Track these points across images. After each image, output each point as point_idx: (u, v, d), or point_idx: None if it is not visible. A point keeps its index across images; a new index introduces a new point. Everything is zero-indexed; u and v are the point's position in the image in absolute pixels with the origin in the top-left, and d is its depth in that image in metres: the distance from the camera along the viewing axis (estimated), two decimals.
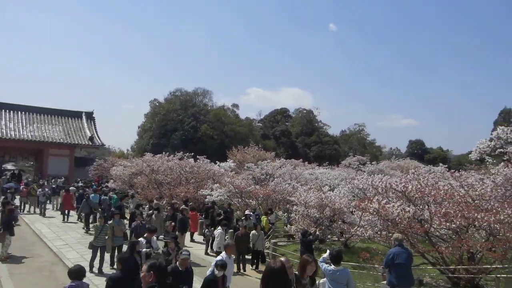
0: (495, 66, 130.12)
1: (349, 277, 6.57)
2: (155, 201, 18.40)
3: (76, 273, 6.09)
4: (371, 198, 11.87)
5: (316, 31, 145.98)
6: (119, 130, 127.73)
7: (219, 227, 13.33)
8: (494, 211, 9.87)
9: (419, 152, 77.52)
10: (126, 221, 14.97)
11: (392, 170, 35.74)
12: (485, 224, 9.67)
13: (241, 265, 12.36)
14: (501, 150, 12.02)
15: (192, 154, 29.63)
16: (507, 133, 11.90)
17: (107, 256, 11.42)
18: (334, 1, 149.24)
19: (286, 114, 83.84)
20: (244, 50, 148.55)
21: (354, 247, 16.01)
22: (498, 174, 11.75)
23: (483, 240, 10.31)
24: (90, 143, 38.56)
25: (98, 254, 11.18)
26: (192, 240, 17.05)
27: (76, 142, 38.07)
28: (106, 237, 11.46)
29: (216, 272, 6.84)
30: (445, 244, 10.79)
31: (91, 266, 11.09)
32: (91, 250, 11.33)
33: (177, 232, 14.03)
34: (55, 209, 23.25)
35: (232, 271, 7.86)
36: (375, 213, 11.28)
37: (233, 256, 8.11)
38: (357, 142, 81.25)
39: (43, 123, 38.34)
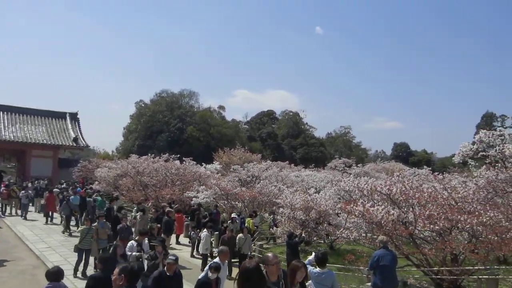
0: (477, 70, 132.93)
1: (334, 279, 6.58)
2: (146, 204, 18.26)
3: (55, 275, 5.98)
4: (357, 201, 11.96)
5: (302, 34, 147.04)
6: (104, 131, 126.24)
7: (205, 230, 13.25)
8: (476, 213, 10.05)
9: (404, 154, 78.64)
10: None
11: (377, 172, 36.12)
12: (467, 226, 9.84)
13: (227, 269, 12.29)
14: (483, 153, 12.27)
15: (178, 156, 29.43)
16: (489, 137, 12.15)
17: (91, 259, 11.25)
18: (320, 4, 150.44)
19: (272, 116, 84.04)
20: (231, 52, 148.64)
21: (339, 249, 16.09)
22: (481, 177, 11.97)
23: (466, 242, 10.47)
24: (74, 144, 37.96)
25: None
26: (177, 243, 16.93)
27: (60, 143, 37.42)
28: (92, 240, 11.30)
29: (210, 274, 6.78)
30: (429, 246, 10.92)
31: (77, 270, 10.90)
32: (75, 253, 11.15)
33: (162, 235, 13.95)
34: (37, 211, 22.80)
35: (225, 276, 7.67)
36: (360, 215, 11.36)
37: (226, 262, 7.80)
38: (343, 144, 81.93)
39: (26, 124, 37.59)
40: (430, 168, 22.90)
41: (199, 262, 13.09)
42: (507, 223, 10.05)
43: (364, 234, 13.27)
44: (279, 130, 78.46)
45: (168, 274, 6.56)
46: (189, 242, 16.29)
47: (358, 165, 41.75)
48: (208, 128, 60.70)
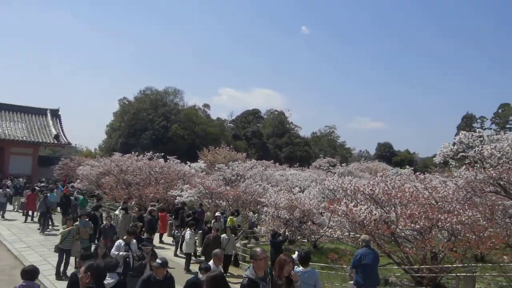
0: (459, 71, 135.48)
1: (317, 278, 6.63)
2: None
3: (30, 274, 5.89)
4: (340, 200, 12.08)
5: (288, 33, 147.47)
6: (86, 128, 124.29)
7: (188, 229, 13.18)
8: (455, 212, 10.28)
9: (387, 154, 79.62)
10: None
11: (361, 172, 36.60)
12: (447, 225, 10.06)
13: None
14: (463, 154, 12.52)
15: (162, 154, 29.20)
16: (468, 138, 12.41)
17: (72, 259, 11.05)
18: (306, 4, 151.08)
19: (257, 115, 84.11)
20: (216, 50, 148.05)
21: (323, 248, 16.23)
22: (460, 177, 12.23)
23: (445, 241, 10.70)
24: (55, 142, 37.25)
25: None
26: (161, 241, 16.82)
27: (40, 140, 36.66)
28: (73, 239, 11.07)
29: (200, 275, 6.72)
30: (410, 244, 11.11)
31: (59, 271, 10.69)
32: (55, 253, 10.90)
33: (145, 234, 13.83)
34: (16, 210, 22.31)
35: None
36: (343, 215, 11.48)
37: (221, 266, 7.47)
38: (328, 144, 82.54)
39: (4, 120, 36.72)
40: (412, 168, 23.26)
41: (182, 261, 13.02)
42: (484, 222, 10.32)
43: (347, 233, 13.44)
44: (264, 129, 78.59)
45: (157, 278, 6.19)
46: (172, 241, 16.20)
47: (342, 164, 42.18)
48: (193, 127, 60.40)
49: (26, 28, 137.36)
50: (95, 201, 18.70)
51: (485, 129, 66.06)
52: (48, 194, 18.87)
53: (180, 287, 6.40)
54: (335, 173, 31.17)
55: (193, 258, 13.51)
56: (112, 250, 8.77)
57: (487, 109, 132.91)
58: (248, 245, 15.56)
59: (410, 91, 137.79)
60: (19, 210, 21.53)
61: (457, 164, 13.79)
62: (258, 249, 4.67)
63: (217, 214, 15.85)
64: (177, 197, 20.01)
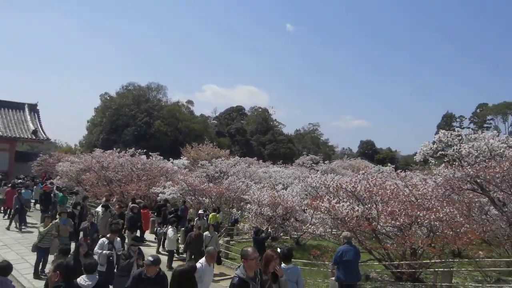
0: (440, 72, 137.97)
1: (299, 275, 6.70)
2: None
3: (3, 270, 5.80)
4: (323, 197, 12.21)
5: (273, 31, 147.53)
6: (66, 124, 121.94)
7: (170, 226, 13.11)
8: (434, 209, 10.51)
9: (369, 152, 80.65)
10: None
11: (344, 169, 36.96)
12: (426, 221, 10.28)
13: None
14: (442, 152, 12.81)
15: (145, 150, 28.90)
16: (447, 137, 12.70)
17: (50, 257, 10.84)
18: (291, 1, 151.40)
19: (241, 112, 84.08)
20: (200, 46, 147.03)
21: (305, 245, 16.37)
22: (439, 175, 12.50)
23: (424, 237, 10.93)
24: (34, 137, 36.39)
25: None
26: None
27: (17, 136, 35.74)
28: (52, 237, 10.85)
29: None
30: (391, 241, 11.32)
31: (37, 271, 10.47)
32: (33, 252, 10.65)
33: (126, 231, 13.70)
34: None
35: (210, 279, 7.23)
36: (326, 211, 11.60)
37: (212, 264, 7.36)
38: (311, 141, 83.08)
39: None
40: (394, 166, 23.65)
41: (165, 258, 12.94)
42: (461, 219, 10.59)
43: (329, 230, 13.59)
44: (248, 126, 78.58)
45: (148, 276, 6.09)
46: (155, 238, 16.09)
47: (325, 162, 42.51)
48: (176, 123, 59.95)
49: (2, 23, 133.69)
50: (74, 198, 18.37)
51: (463, 128, 67.78)
52: (23, 191, 18.43)
53: None
54: (318, 170, 31.42)
55: (175, 255, 13.47)
56: (95, 248, 8.60)
57: (467, 109, 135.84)
58: (230, 242, 15.59)
59: (393, 90, 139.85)
60: None
61: (436, 162, 14.09)
62: (249, 249, 4.66)
63: (200, 212, 15.79)
64: (160, 194, 19.87)
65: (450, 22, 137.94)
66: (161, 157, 28.18)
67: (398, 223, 10.52)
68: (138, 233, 15.39)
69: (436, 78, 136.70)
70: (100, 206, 16.91)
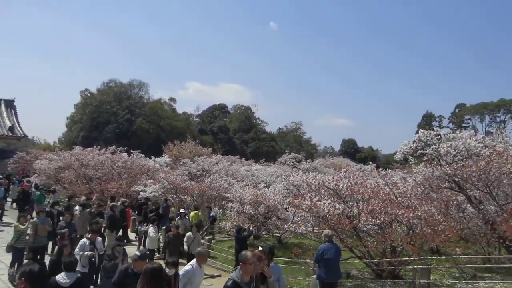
0: (421, 72, 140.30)
1: (281, 273, 6.71)
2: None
3: None
4: (304, 195, 12.26)
5: (256, 29, 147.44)
6: (45, 120, 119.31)
7: (151, 224, 12.95)
8: (413, 207, 10.68)
9: (351, 151, 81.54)
10: None
11: (326, 167, 37.23)
12: (405, 220, 10.44)
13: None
14: (422, 151, 13.02)
15: (126, 148, 28.48)
16: (426, 136, 12.91)
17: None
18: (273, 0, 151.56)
19: (224, 110, 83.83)
20: (183, 43, 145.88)
21: (287, 243, 16.42)
22: (419, 173, 12.71)
23: (404, 235, 11.10)
24: (10, 134, 35.48)
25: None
26: None
27: None
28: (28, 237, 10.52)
29: (168, 270, 6.58)
30: (371, 239, 11.45)
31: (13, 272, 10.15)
32: (7, 253, 10.27)
33: (106, 230, 13.45)
34: None
35: (200, 281, 7.01)
36: (307, 210, 11.66)
37: (203, 265, 7.07)
38: (294, 139, 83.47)
39: None
40: (375, 164, 23.93)
41: None
42: (439, 217, 10.78)
43: (311, 228, 13.66)
44: (231, 124, 78.43)
45: (135, 271, 5.96)
46: (135, 237, 15.89)
47: (308, 160, 42.75)
48: (158, 120, 59.41)
49: None
50: (51, 196, 17.95)
51: (443, 127, 69.14)
52: None
53: None
54: (300, 168, 31.57)
55: (156, 254, 13.32)
56: (76, 249, 8.32)
57: (445, 109, 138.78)
58: (212, 241, 15.52)
59: (375, 88, 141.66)
60: None
61: (416, 161, 14.32)
62: (248, 253, 4.60)
63: (182, 211, 15.55)
64: (141, 192, 19.65)
65: (435, 22, 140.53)
66: (143, 155, 27.87)
67: (378, 221, 10.65)
68: (120, 232, 15.20)
69: (418, 78, 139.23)
70: (78, 204, 16.60)
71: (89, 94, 62.74)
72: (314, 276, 9.28)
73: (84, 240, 8.66)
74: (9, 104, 38.16)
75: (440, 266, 11.67)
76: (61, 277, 5.61)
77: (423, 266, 9.95)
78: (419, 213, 10.30)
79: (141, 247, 14.33)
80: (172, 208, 19.56)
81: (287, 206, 15.66)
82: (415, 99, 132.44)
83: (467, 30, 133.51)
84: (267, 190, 17.28)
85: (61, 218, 12.82)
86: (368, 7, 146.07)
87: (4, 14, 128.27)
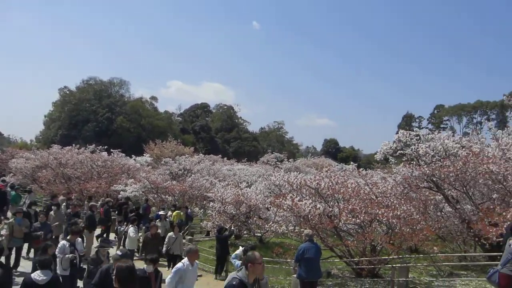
0: (400, 74, 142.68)
1: None
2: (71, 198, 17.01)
3: None
4: (286, 195, 12.30)
5: (239, 28, 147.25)
6: (22, 118, 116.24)
7: (131, 224, 12.77)
8: (393, 207, 10.84)
9: (333, 150, 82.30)
10: None
11: (308, 167, 37.49)
12: (385, 219, 10.59)
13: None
14: (401, 151, 13.23)
15: (106, 147, 28.09)
16: (406, 137, 13.13)
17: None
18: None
19: (206, 109, 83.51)
20: (165, 41, 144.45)
21: (269, 243, 16.44)
22: (398, 173, 12.92)
23: (383, 234, 11.26)
24: None
25: None
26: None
27: None
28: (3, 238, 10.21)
29: (146, 267, 6.44)
30: (352, 238, 11.57)
31: None
32: None
33: (85, 230, 13.20)
34: None
35: (194, 280, 6.79)
36: (289, 209, 11.69)
37: (196, 263, 6.88)
38: (276, 139, 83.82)
39: None
40: (356, 164, 24.27)
41: None
42: (418, 216, 10.98)
43: (292, 228, 13.71)
44: (213, 123, 78.21)
45: None
46: (115, 237, 15.65)
47: (290, 160, 42.96)
48: (139, 119, 58.78)
49: None
50: (27, 196, 17.48)
51: (422, 128, 70.48)
52: None
53: None
54: (282, 168, 31.69)
55: (136, 254, 13.15)
56: (56, 252, 8.02)
57: (425, 109, 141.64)
58: (193, 241, 15.40)
59: (357, 89, 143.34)
60: None
61: (396, 161, 14.56)
62: (256, 253, 4.49)
63: (161, 213, 15.25)
64: (121, 192, 19.40)
65: (416, 23, 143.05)
66: (123, 154, 27.58)
67: (358, 220, 10.77)
68: (99, 232, 14.97)
69: (400, 79, 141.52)
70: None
71: (68, 92, 61.53)
72: (295, 275, 9.31)
73: (63, 242, 8.39)
74: None
75: (418, 264, 11.86)
76: (36, 275, 5.65)
77: (402, 265, 10.11)
78: (399, 213, 10.46)
79: (121, 247, 14.14)
80: (153, 208, 19.37)
81: (269, 206, 15.67)
82: (396, 100, 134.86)
83: (447, 31, 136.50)
84: (249, 189, 17.27)
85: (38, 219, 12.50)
86: (349, 8, 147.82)
87: None
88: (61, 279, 7.07)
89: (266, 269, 9.23)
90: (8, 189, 19.34)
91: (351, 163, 26.95)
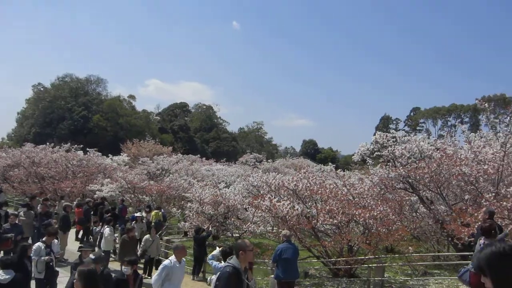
0: (379, 77, 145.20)
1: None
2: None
3: None
4: (264, 196, 12.31)
5: (219, 28, 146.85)
6: None
7: (107, 225, 12.49)
8: (369, 208, 11.00)
9: (312, 151, 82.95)
10: None
11: (286, 168, 37.64)
12: (362, 219, 10.73)
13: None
14: (378, 153, 13.44)
15: (82, 146, 27.52)
16: (383, 138, 13.35)
17: None
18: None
19: (185, 108, 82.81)
20: (144, 39, 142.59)
21: None
22: (375, 174, 13.11)
23: (360, 234, 11.41)
24: None
25: None
26: (77, 239, 15.80)
27: None
28: None
29: (125, 269, 6.28)
30: (329, 238, 11.68)
31: None
32: None
33: (59, 231, 12.85)
34: None
35: (181, 279, 6.62)
36: (267, 210, 11.71)
37: (184, 260, 6.71)
38: (255, 139, 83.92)
39: None
40: (334, 165, 24.57)
41: None
42: (393, 217, 11.18)
43: (270, 228, 13.75)
44: (192, 123, 77.66)
45: None
46: (90, 238, 15.30)
47: (269, 160, 43.06)
48: (117, 118, 57.78)
49: None
50: None
51: (399, 130, 71.87)
52: None
53: None
54: (260, 169, 31.74)
55: (112, 256, 12.88)
56: (31, 254, 7.66)
57: (402, 111, 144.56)
58: (171, 242, 15.22)
59: (336, 91, 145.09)
60: None
61: (373, 163, 14.79)
62: (246, 240, 4.54)
63: (137, 214, 14.97)
64: (97, 192, 19.01)
65: (396, 24, 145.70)
66: (100, 153, 27.15)
67: (336, 221, 10.87)
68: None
69: (379, 81, 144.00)
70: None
71: (42, 89, 59.96)
72: (273, 275, 9.32)
73: (39, 244, 8.07)
74: None
75: (394, 264, 12.08)
76: None
77: (378, 265, 10.26)
78: (375, 213, 10.63)
79: (96, 249, 13.83)
80: (130, 209, 19.07)
81: (247, 206, 15.66)
82: (375, 102, 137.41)
83: (427, 34, 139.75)
84: (227, 190, 17.22)
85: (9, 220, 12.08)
86: (329, 9, 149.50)
87: None
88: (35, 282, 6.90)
89: None
90: None
91: (330, 164, 27.26)
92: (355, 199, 12.18)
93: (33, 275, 7.47)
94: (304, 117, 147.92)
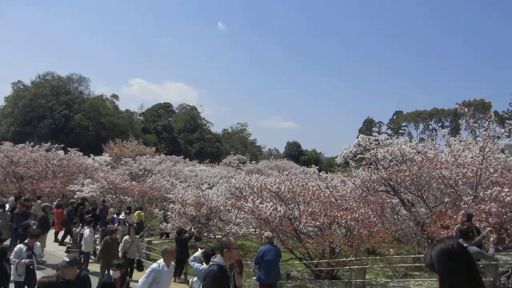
0: (363, 80, 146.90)
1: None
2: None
3: None
4: (247, 197, 12.29)
5: (205, 28, 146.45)
6: None
7: (87, 226, 12.26)
8: (351, 210, 11.09)
9: (295, 153, 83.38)
10: None
11: (270, 169, 37.74)
12: (344, 222, 10.80)
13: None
14: (361, 155, 13.57)
15: (63, 145, 27.02)
16: (366, 141, 13.49)
17: None
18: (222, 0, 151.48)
19: (169, 109, 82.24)
20: (128, 38, 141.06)
21: None
22: (358, 177, 13.24)
23: (342, 236, 11.48)
24: None
25: None
26: (56, 240, 15.50)
27: None
28: None
29: (113, 273, 6.16)
30: (311, 240, 11.72)
31: None
32: None
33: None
34: None
35: (169, 281, 6.50)
36: (250, 212, 11.68)
37: (173, 264, 6.59)
38: (239, 141, 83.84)
39: None
40: (318, 167, 24.73)
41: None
42: (375, 219, 11.29)
43: (252, 230, 13.73)
44: (176, 123, 77.15)
45: (66, 279, 5.43)
46: (69, 239, 15.00)
47: (252, 162, 43.07)
48: (99, 117, 56.96)
49: None
50: None
51: (382, 133, 72.73)
52: None
53: None
54: (243, 170, 31.71)
55: (92, 257, 12.65)
56: (12, 256, 7.46)
57: (385, 114, 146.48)
58: (152, 243, 15.09)
59: (320, 93, 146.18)
60: None
61: (355, 165, 14.92)
62: (231, 238, 4.54)
63: (121, 217, 14.72)
64: (77, 192, 18.68)
65: (382, 25, 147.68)
66: (81, 153, 26.76)
67: (318, 223, 10.93)
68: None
69: (362, 84, 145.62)
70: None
71: (22, 87, 58.67)
72: (255, 277, 9.30)
73: (20, 246, 7.84)
74: None
75: (375, 266, 12.19)
76: None
77: (359, 266, 10.35)
78: (357, 215, 10.72)
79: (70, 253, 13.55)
80: (111, 209, 18.79)
81: (230, 208, 15.61)
82: (359, 105, 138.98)
83: (412, 36, 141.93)
84: (210, 191, 17.13)
85: None
86: (315, 11, 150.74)
87: None
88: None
89: None
90: None
91: (313, 166, 27.45)
92: (338, 201, 12.26)
93: (12, 278, 7.27)
94: (288, 119, 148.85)
